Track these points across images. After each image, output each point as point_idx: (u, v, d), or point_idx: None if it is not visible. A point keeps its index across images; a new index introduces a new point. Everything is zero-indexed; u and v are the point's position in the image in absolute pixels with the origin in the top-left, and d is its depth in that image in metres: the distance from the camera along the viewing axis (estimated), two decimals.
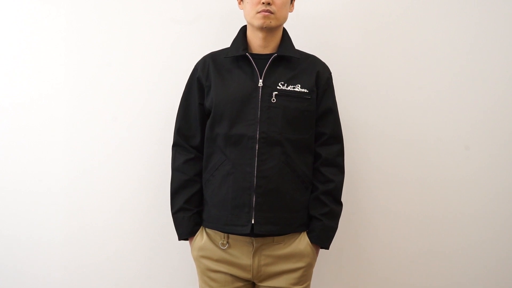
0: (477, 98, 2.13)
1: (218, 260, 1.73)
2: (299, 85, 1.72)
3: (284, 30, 1.80)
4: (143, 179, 2.11)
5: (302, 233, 1.74)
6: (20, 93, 2.10)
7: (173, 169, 1.81)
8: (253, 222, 1.67)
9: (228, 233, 1.71)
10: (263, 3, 1.66)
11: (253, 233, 1.68)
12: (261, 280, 1.73)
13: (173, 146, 1.83)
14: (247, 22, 1.75)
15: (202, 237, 1.75)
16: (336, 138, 1.79)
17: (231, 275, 1.72)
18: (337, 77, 2.07)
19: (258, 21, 1.69)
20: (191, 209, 1.76)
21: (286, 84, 1.72)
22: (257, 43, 1.75)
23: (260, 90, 1.70)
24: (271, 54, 1.74)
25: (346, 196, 2.10)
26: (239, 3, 1.78)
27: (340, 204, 1.78)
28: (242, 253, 1.71)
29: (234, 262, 1.72)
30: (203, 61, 1.80)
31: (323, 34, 2.11)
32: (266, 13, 1.67)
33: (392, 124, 2.13)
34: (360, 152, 2.11)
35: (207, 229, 1.76)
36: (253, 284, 1.78)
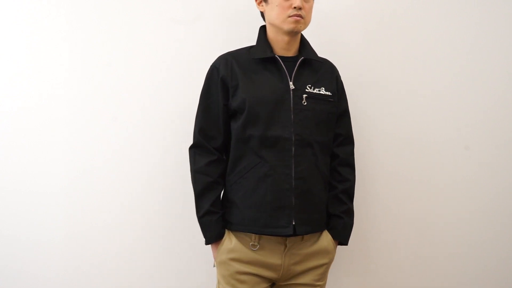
0: (477, 98, 2.13)
1: (248, 262, 1.71)
2: (323, 88, 1.77)
3: (302, 33, 1.83)
4: (144, 179, 2.11)
5: (324, 231, 1.78)
6: (20, 93, 2.10)
7: (196, 171, 1.74)
8: (294, 223, 1.69)
9: (267, 234, 1.70)
10: (295, 7, 1.69)
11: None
12: (287, 279, 1.75)
13: (192, 147, 1.78)
14: (273, 24, 1.74)
15: (230, 240, 1.73)
16: (350, 139, 1.87)
17: (259, 276, 1.72)
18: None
19: (289, 25, 1.71)
20: (217, 212, 1.73)
21: (313, 87, 1.75)
22: (280, 45, 1.77)
23: (292, 92, 1.72)
24: (295, 57, 1.77)
25: None
26: (259, 4, 1.77)
27: (352, 202, 1.84)
28: (273, 253, 1.71)
29: (264, 263, 1.71)
30: (224, 61, 1.76)
31: (324, 33, 2.12)
32: (298, 18, 1.70)
33: (392, 123, 2.13)
34: (360, 151, 2.11)
35: (233, 231, 1.74)
36: (272, 284, 1.78)
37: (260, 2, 1.77)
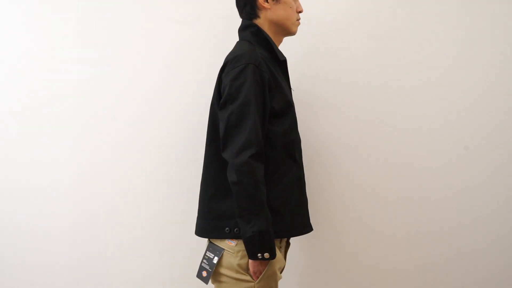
0: (477, 98, 2.13)
1: (283, 267, 1.68)
2: None
3: None
4: (145, 177, 2.12)
5: None
6: (23, 93, 2.11)
7: (260, 182, 1.51)
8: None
9: (301, 235, 1.66)
10: (299, 12, 1.75)
11: None
12: None
13: (254, 155, 1.50)
14: (281, 24, 1.71)
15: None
16: None
17: None
18: (339, 77, 2.08)
19: (296, 28, 1.74)
20: None
21: None
22: (277, 46, 1.75)
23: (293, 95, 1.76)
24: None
25: (348, 196, 2.11)
26: (264, 1, 1.68)
27: None
28: (281, 253, 1.69)
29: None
30: (262, 60, 1.60)
31: (323, 35, 2.12)
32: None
33: (391, 124, 2.13)
34: (360, 152, 2.12)
35: None
36: None
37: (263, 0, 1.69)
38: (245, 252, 1.54)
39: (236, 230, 1.55)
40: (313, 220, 1.80)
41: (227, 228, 1.57)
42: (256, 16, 1.71)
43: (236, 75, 1.55)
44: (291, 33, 1.74)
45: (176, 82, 2.10)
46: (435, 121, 2.13)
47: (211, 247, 1.61)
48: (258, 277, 1.55)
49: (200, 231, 1.66)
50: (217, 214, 1.59)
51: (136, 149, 2.11)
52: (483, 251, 2.14)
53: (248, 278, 1.55)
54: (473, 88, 2.13)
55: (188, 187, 2.05)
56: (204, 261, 1.62)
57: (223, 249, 1.58)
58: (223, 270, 1.58)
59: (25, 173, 2.12)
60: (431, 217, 2.14)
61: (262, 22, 1.71)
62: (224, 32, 2.07)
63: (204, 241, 1.71)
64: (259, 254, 1.50)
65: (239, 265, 1.56)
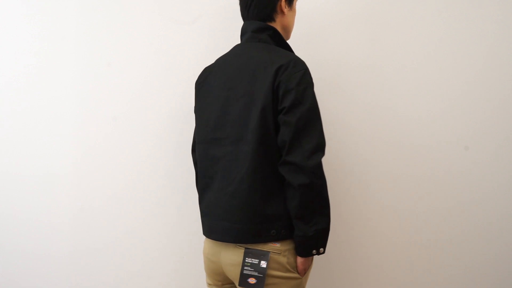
0: (477, 98, 2.13)
1: None
2: None
3: None
4: (147, 177, 2.13)
5: None
6: (23, 93, 2.12)
7: (326, 182, 1.60)
8: None
9: None
10: None
11: None
12: None
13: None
14: (288, 31, 1.77)
15: None
16: None
17: None
18: (338, 77, 2.07)
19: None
20: None
21: None
22: None
23: None
24: None
25: (345, 197, 2.11)
26: (285, 6, 1.72)
27: None
28: None
29: None
30: None
31: (321, 33, 2.13)
32: None
33: (391, 123, 2.13)
34: (360, 152, 2.12)
35: None
36: None
37: (285, 5, 1.71)
38: (292, 251, 1.59)
39: (283, 232, 1.57)
40: None
41: (273, 231, 1.57)
42: (272, 19, 1.71)
43: (300, 80, 1.56)
44: (287, 39, 1.80)
45: (176, 82, 2.10)
46: (435, 121, 2.13)
47: (250, 253, 1.58)
48: (305, 273, 1.62)
49: (245, 237, 1.60)
50: (264, 218, 1.58)
51: (136, 149, 2.11)
52: (482, 249, 2.15)
53: (296, 275, 1.60)
54: (474, 87, 2.13)
55: (189, 186, 2.06)
56: (247, 268, 1.58)
57: (269, 252, 1.57)
58: (271, 272, 1.57)
59: (24, 174, 2.12)
60: (430, 217, 2.14)
61: (275, 25, 1.72)
62: (224, 32, 2.07)
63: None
64: (314, 251, 1.56)
65: (288, 263, 1.58)
